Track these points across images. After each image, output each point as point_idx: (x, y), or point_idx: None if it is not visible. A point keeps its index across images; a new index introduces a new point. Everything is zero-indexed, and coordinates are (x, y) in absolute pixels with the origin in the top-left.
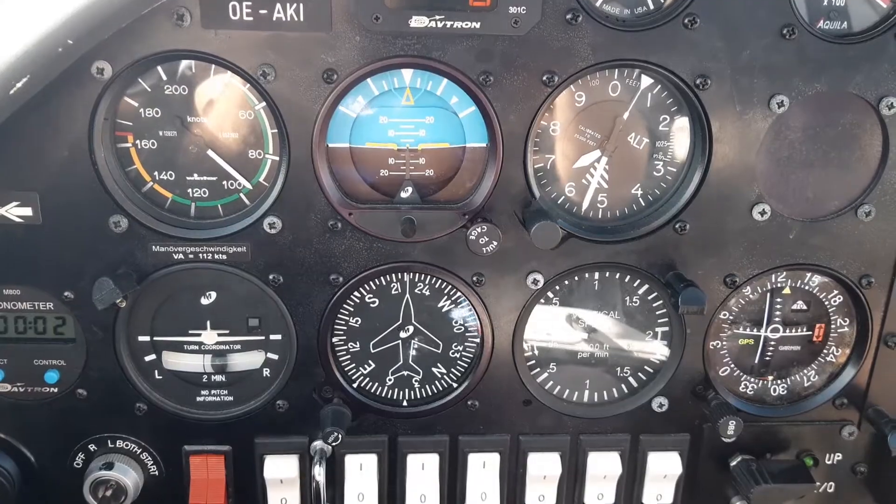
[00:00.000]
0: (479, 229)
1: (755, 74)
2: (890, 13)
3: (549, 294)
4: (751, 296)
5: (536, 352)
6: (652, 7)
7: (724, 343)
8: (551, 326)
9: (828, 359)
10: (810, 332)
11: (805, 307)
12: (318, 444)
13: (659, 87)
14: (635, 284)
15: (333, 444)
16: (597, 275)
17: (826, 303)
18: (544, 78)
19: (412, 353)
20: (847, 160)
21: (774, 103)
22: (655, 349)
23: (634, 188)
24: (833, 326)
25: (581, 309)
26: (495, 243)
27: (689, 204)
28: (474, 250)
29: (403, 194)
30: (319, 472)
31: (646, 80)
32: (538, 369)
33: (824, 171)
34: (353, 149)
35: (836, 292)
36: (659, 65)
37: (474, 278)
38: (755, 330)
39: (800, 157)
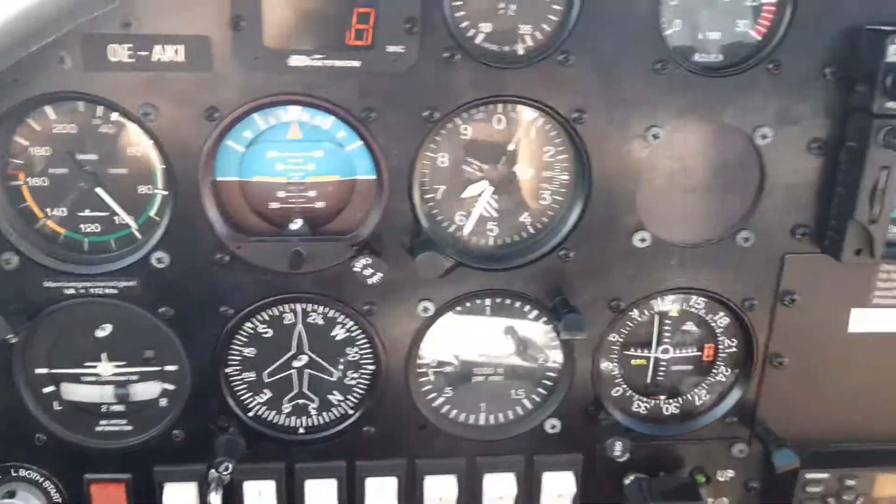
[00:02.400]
0: (364, 261)
1: (630, 107)
2: (762, 45)
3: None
4: (639, 318)
5: (432, 376)
6: (531, 44)
7: (616, 364)
8: (449, 347)
9: (717, 378)
10: (700, 353)
11: (694, 328)
12: (213, 472)
13: (542, 119)
14: (526, 310)
15: (224, 473)
16: (488, 301)
17: (713, 324)
18: (425, 114)
19: (307, 381)
20: (725, 188)
21: (650, 135)
22: (547, 372)
23: (523, 217)
24: (721, 347)
25: (475, 334)
26: (380, 274)
27: (571, 233)
28: (360, 281)
29: (293, 226)
30: (216, 500)
31: (529, 113)
32: (434, 394)
33: (704, 198)
34: (242, 182)
35: (721, 314)
36: (536, 100)
37: (366, 307)
38: (646, 351)
39: (680, 185)
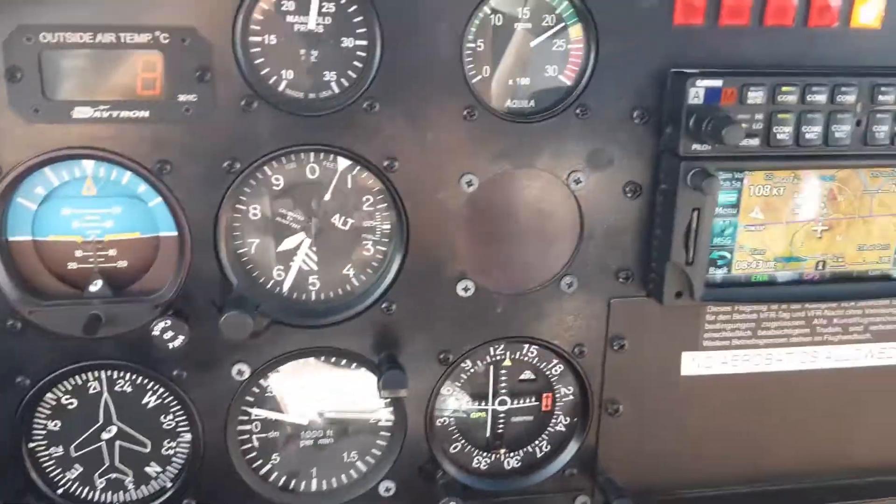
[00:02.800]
0: (162, 324)
1: (442, 155)
2: (571, 90)
3: (263, 383)
4: (473, 370)
5: (256, 442)
6: (337, 91)
7: (453, 419)
8: (277, 407)
9: (557, 428)
10: (538, 402)
11: (531, 377)
12: None
13: (358, 167)
14: (353, 367)
15: None
16: (312, 359)
17: (548, 373)
18: (225, 165)
19: (118, 453)
20: (547, 234)
21: (464, 183)
22: (381, 431)
23: (346, 269)
24: (558, 395)
25: (303, 392)
26: (182, 338)
27: (393, 284)
28: (160, 346)
29: (92, 288)
30: None
31: (343, 162)
32: (260, 461)
33: (526, 245)
34: (36, 242)
35: (555, 361)
36: (344, 149)
37: (175, 373)
38: (482, 404)
39: (501, 232)
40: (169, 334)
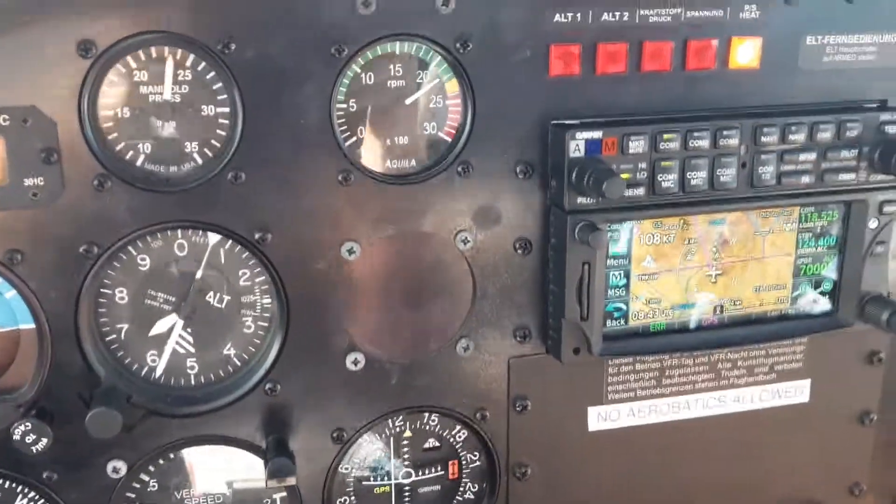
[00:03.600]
0: (23, 427)
1: (319, 223)
2: (452, 146)
3: (144, 477)
4: (372, 444)
5: None
6: (200, 162)
7: (354, 497)
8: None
9: (466, 496)
10: (444, 471)
11: (435, 445)
12: None
13: (230, 242)
14: (238, 456)
15: None
16: (195, 449)
17: (452, 440)
18: (82, 249)
19: None
20: (439, 296)
21: (345, 250)
22: None
23: (226, 348)
24: (465, 462)
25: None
26: (45, 440)
27: (275, 363)
28: (23, 450)
29: None
30: None
31: (214, 236)
32: None
33: (418, 310)
34: None
35: (458, 428)
36: (210, 224)
37: (45, 475)
38: (385, 478)
39: (391, 298)
40: (31, 437)
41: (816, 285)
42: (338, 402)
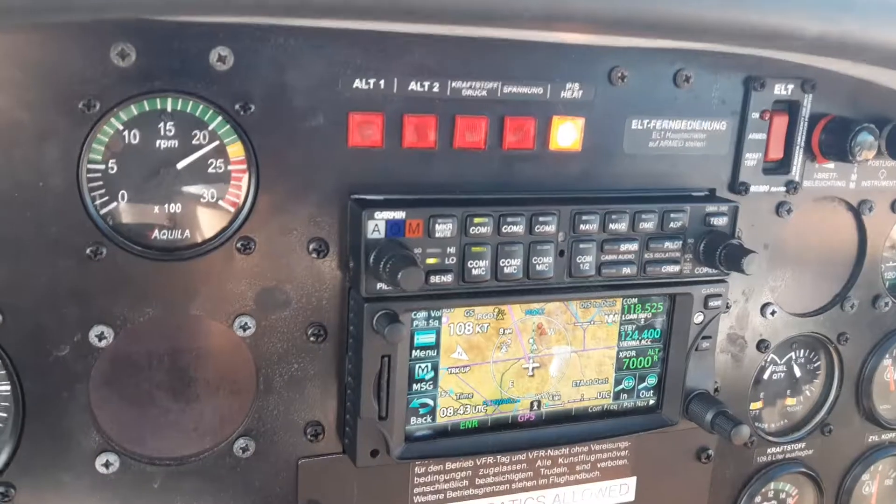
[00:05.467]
0: None
1: (61, 303)
2: (234, 218)
3: None
4: None
5: None
6: None
7: None
8: None
9: None
10: None
11: None
12: None
13: None
14: None
15: None
16: None
17: None
18: None
19: None
20: (212, 389)
21: (93, 335)
22: None
23: None
24: None
25: None
26: None
27: (10, 463)
28: None
29: None
30: None
31: None
32: None
33: (187, 403)
34: None
35: None
36: None
37: None
38: None
39: (153, 390)
40: None
41: (641, 380)
42: None
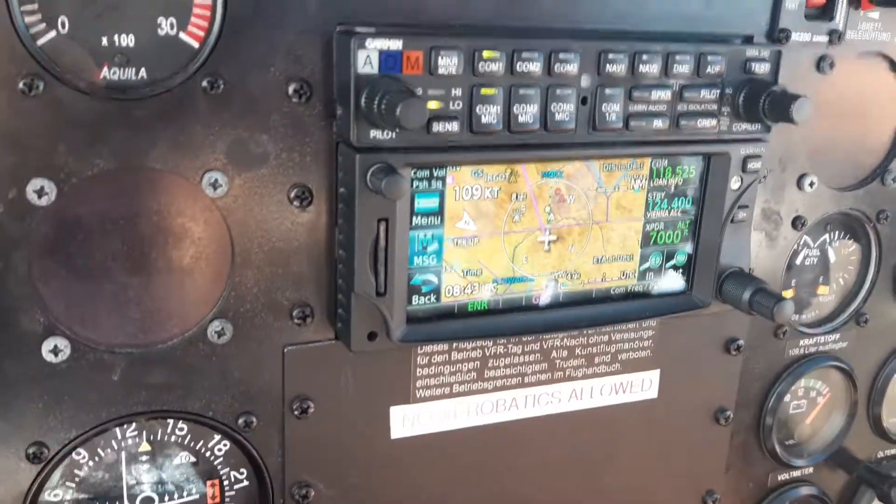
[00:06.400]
0: None
1: None
2: (197, 52)
3: None
4: (90, 463)
5: None
6: None
7: None
8: None
9: None
10: (199, 495)
11: (193, 460)
12: None
13: None
14: None
15: None
16: None
17: (209, 454)
18: None
19: None
20: (179, 261)
21: (31, 190)
22: None
23: None
24: (227, 483)
25: None
26: None
27: None
28: None
29: None
30: None
31: None
32: None
33: (148, 279)
34: None
35: (217, 438)
36: None
37: None
38: None
39: (107, 262)
40: None
41: (668, 257)
42: (34, 406)
